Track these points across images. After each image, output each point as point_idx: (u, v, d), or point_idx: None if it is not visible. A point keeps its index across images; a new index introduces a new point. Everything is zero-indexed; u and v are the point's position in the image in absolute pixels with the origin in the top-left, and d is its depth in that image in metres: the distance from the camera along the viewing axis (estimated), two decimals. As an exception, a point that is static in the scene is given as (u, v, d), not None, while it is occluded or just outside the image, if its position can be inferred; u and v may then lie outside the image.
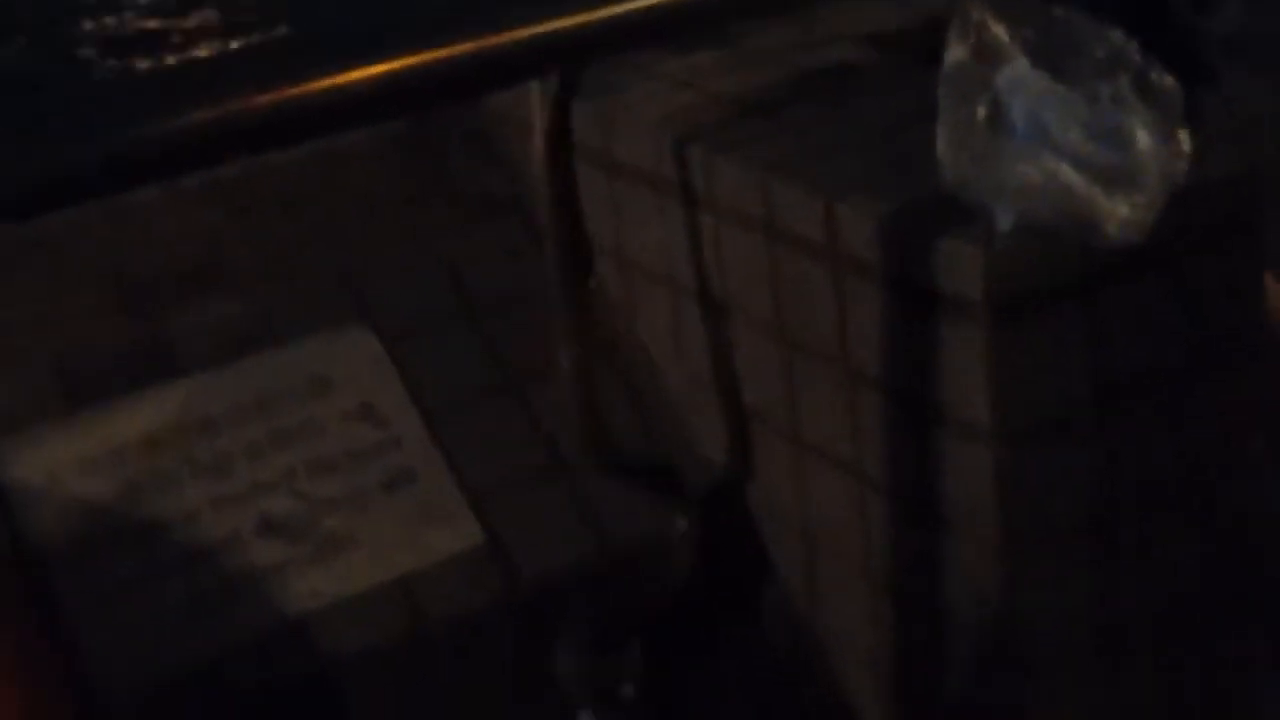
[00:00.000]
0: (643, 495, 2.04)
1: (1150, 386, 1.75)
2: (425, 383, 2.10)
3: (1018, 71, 1.64)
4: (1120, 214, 1.62)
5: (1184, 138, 1.65)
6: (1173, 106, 1.65)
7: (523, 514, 2.02)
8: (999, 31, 1.67)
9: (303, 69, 1.44)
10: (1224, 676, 1.87)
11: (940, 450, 1.75)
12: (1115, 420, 1.74)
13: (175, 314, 2.13)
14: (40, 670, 1.82)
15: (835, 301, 1.81)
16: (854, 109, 1.94)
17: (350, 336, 2.11)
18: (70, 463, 2.01)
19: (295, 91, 1.44)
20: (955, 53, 1.67)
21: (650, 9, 1.46)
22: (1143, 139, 1.62)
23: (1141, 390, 1.75)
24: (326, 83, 1.38)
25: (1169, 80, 1.64)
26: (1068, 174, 1.61)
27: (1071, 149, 1.61)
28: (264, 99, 1.43)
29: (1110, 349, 1.72)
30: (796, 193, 1.82)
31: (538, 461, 2.08)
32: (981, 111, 1.64)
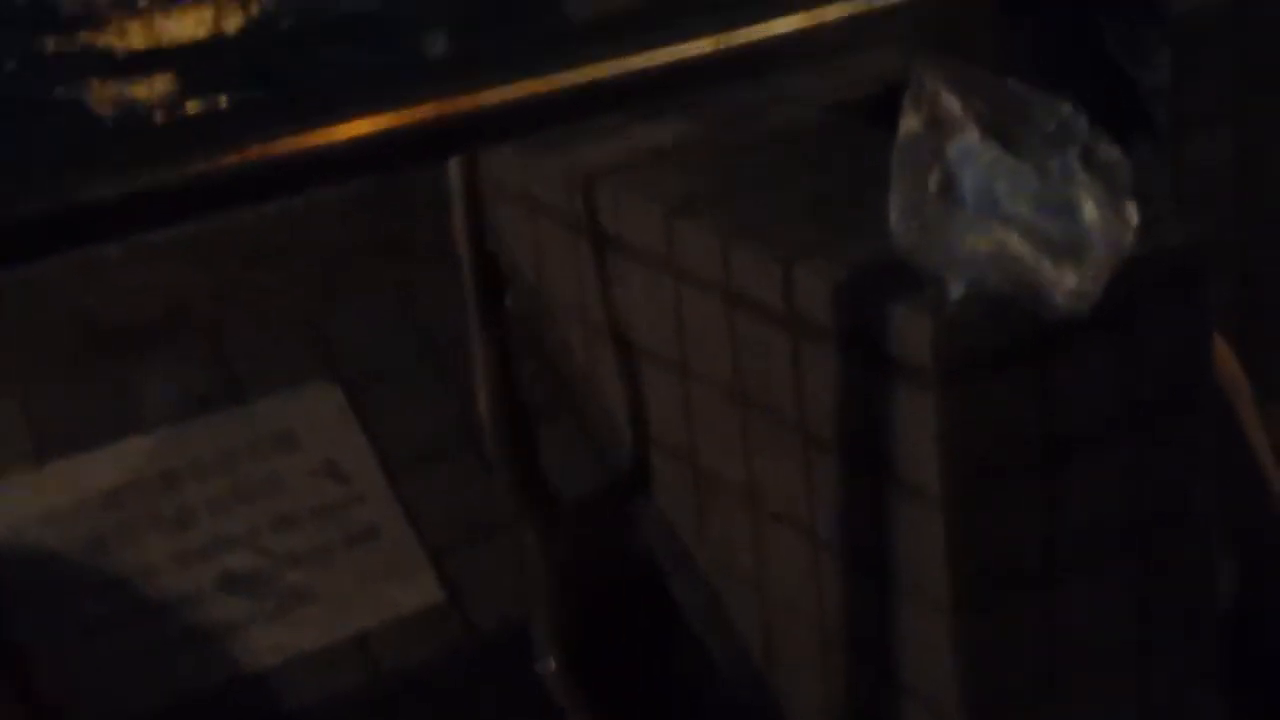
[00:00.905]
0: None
1: (1096, 446, 1.79)
2: (388, 438, 2.13)
3: (969, 142, 1.68)
4: (1068, 284, 1.66)
5: (1131, 209, 1.69)
6: (1120, 178, 1.69)
7: (482, 569, 2.04)
8: (951, 103, 1.71)
9: (261, 130, 1.47)
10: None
11: (892, 511, 1.78)
12: (1062, 479, 1.77)
13: (141, 367, 2.15)
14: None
15: (792, 364, 1.85)
16: (811, 174, 1.98)
17: (314, 391, 2.14)
18: (35, 514, 2.03)
19: (257, 152, 1.46)
20: (909, 123, 1.71)
21: (569, 89, 1.49)
22: (1090, 210, 1.66)
23: (1088, 450, 1.78)
24: (285, 145, 1.41)
25: (1115, 153, 1.68)
26: (1016, 244, 1.65)
27: (1021, 219, 1.65)
28: (229, 158, 1.47)
29: (1058, 411, 1.75)
30: (754, 257, 1.86)
31: (498, 516, 2.10)
32: (933, 181, 1.68)
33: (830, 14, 1.61)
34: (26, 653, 1.93)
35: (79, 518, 2.03)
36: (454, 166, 1.99)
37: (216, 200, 1.52)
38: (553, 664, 1.98)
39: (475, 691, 1.97)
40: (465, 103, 1.45)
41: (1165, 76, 2.04)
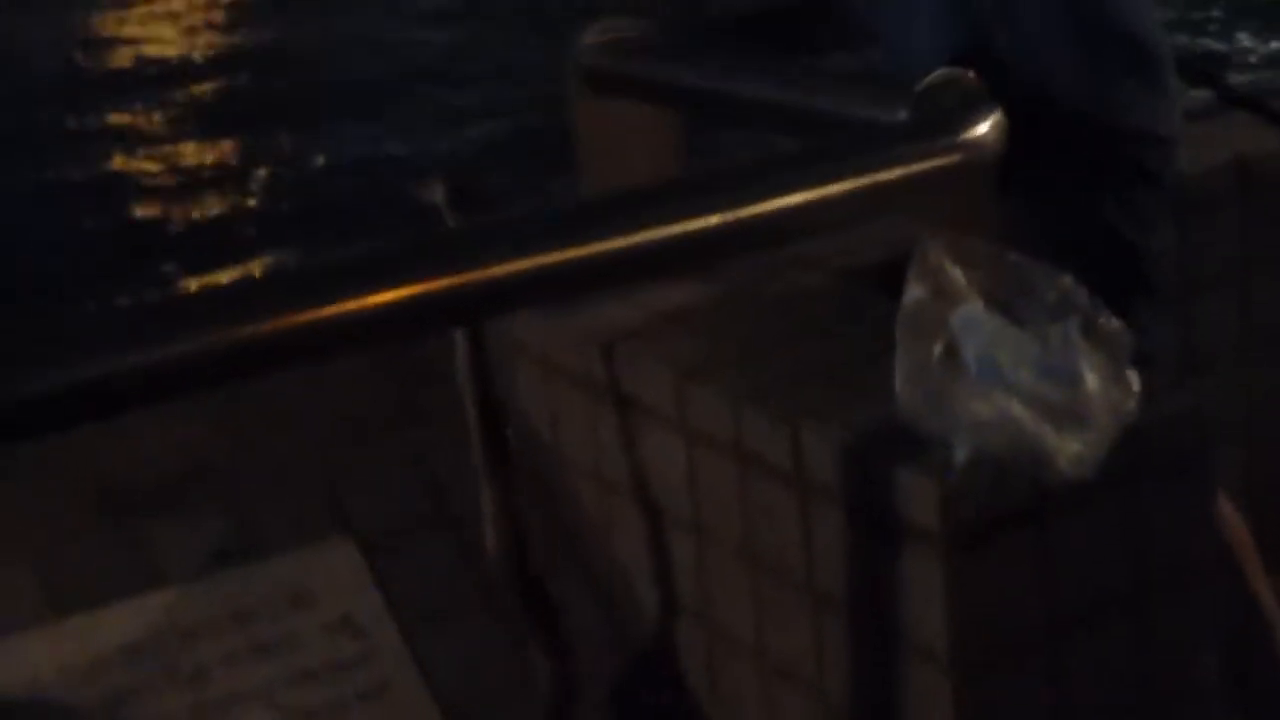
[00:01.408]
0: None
1: (1103, 612, 1.81)
2: (404, 595, 2.15)
3: (972, 312, 1.72)
4: (1070, 450, 1.69)
5: (1132, 378, 1.73)
6: (1120, 348, 1.73)
7: (494, 729, 2.06)
8: (955, 274, 1.75)
9: (280, 303, 1.52)
10: None
11: (900, 674, 1.79)
12: (1069, 646, 1.79)
13: (159, 524, 2.18)
14: None
15: (801, 525, 1.87)
16: (820, 339, 2.02)
17: (332, 548, 2.17)
18: (52, 670, 2.05)
19: (273, 325, 1.51)
20: (914, 292, 1.76)
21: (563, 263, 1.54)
22: (1091, 379, 1.70)
23: (1095, 616, 1.80)
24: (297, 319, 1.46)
25: (1116, 324, 1.73)
26: (1019, 411, 1.68)
27: (1023, 387, 1.69)
28: (251, 330, 1.52)
29: (1064, 576, 1.77)
30: (764, 419, 1.90)
31: (513, 676, 2.12)
32: (937, 349, 1.72)
33: (834, 190, 1.67)
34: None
35: (96, 674, 2.04)
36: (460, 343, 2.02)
37: (238, 371, 1.57)
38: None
39: None
40: (475, 276, 1.51)
41: (1170, 240, 2.08)
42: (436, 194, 1.91)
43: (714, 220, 1.68)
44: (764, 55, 2.26)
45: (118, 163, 8.89)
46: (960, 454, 1.71)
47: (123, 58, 10.66)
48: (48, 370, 1.47)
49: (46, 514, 2.14)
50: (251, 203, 8.34)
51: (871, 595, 1.81)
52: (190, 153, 9.00)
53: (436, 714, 2.07)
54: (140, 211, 8.29)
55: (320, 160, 8.73)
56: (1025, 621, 1.77)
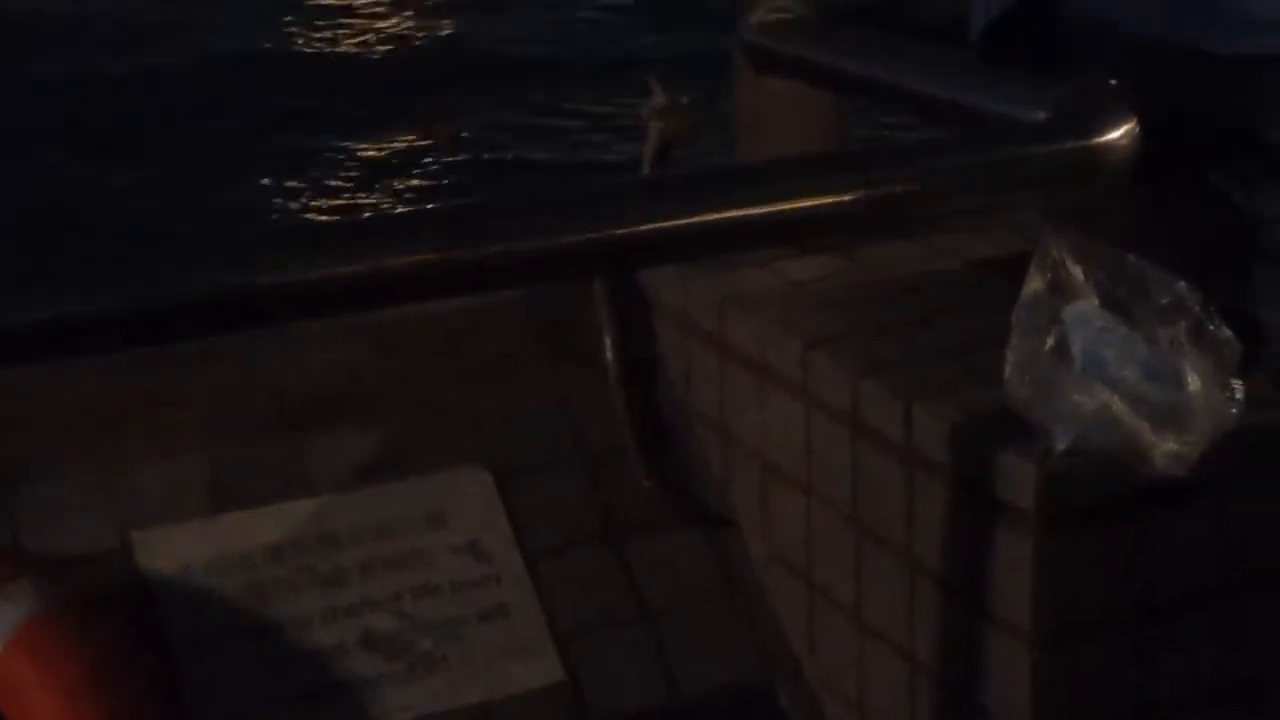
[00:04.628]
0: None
1: (1187, 607, 1.88)
2: (531, 525, 2.29)
3: (1085, 308, 1.80)
4: (1168, 448, 1.76)
5: (1236, 386, 1.79)
6: (1228, 356, 1.79)
7: (602, 658, 2.19)
8: (1075, 270, 1.83)
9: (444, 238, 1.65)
10: None
11: (985, 644, 1.89)
12: (1151, 636, 1.87)
13: (316, 435, 2.34)
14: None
15: (905, 496, 1.97)
16: (943, 322, 2.12)
17: (468, 475, 2.31)
18: (203, 561, 2.22)
19: (438, 257, 1.64)
20: (1033, 284, 1.84)
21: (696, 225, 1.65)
22: (1194, 383, 1.77)
23: (1179, 610, 1.88)
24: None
25: (1225, 332, 1.79)
26: (1119, 408, 1.76)
27: (1126, 384, 1.77)
28: (415, 259, 1.65)
29: (1150, 566, 1.85)
30: (881, 393, 2.00)
31: (626, 610, 2.25)
32: (1049, 341, 1.81)
33: (964, 180, 1.76)
34: (184, 688, 2.11)
35: (243, 569, 2.21)
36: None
37: (399, 295, 1.71)
38: None
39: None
40: (616, 230, 1.63)
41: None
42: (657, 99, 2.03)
43: (849, 196, 1.78)
44: (922, 44, 2.34)
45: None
46: (1061, 442, 1.79)
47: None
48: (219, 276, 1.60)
49: (221, 414, 2.30)
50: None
51: (965, 567, 1.90)
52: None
53: (549, 641, 2.21)
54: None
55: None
56: (1109, 608, 1.85)
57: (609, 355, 2.19)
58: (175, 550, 2.21)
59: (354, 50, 10.89)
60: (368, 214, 7.91)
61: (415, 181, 8.71)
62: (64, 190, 8.22)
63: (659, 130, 2.19)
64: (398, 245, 1.58)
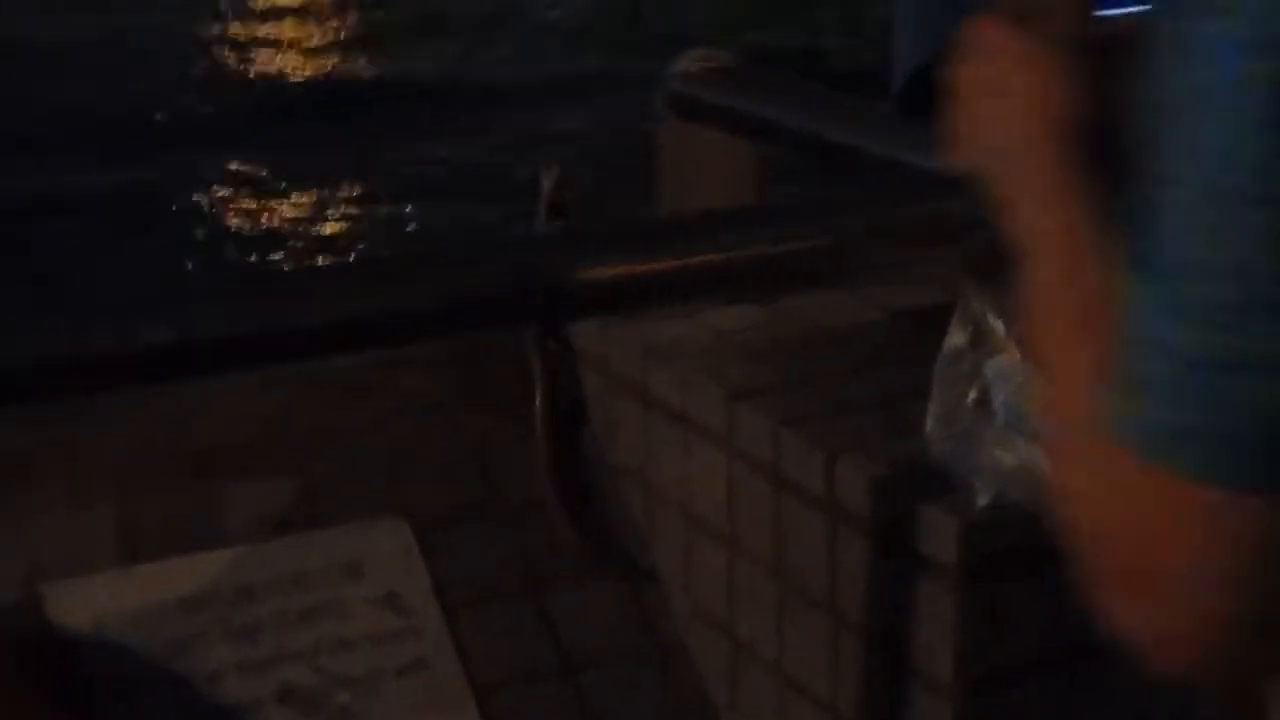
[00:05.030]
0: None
1: (1113, 651, 1.88)
2: (450, 577, 2.27)
3: (1005, 362, 1.81)
4: (1087, 501, 1.77)
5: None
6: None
7: (523, 711, 2.17)
8: (996, 324, 1.84)
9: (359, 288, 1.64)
10: None
11: (907, 697, 1.89)
12: (1077, 679, 1.87)
13: (230, 485, 2.31)
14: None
15: (828, 548, 1.97)
16: (867, 373, 2.12)
17: (386, 526, 2.28)
18: (116, 613, 2.18)
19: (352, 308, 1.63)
20: (954, 338, 1.84)
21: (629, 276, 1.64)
22: (1114, 436, 1.78)
23: (1097, 652, 1.88)
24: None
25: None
26: (1041, 461, 1.77)
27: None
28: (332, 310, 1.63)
29: (1074, 614, 1.85)
30: (803, 444, 2.00)
31: (547, 663, 2.23)
32: (971, 395, 1.81)
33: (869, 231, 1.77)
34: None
35: (156, 621, 2.17)
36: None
37: (320, 349, 1.69)
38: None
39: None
40: (548, 282, 1.62)
41: None
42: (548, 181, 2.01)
43: (770, 250, 1.78)
44: (842, 95, 2.36)
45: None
46: (983, 497, 1.80)
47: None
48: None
49: (133, 465, 2.26)
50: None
51: (887, 620, 1.90)
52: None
53: (469, 695, 2.18)
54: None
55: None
56: (1030, 656, 1.85)
57: (538, 405, 2.17)
58: (87, 602, 2.17)
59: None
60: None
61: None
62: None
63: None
64: (319, 297, 1.56)
